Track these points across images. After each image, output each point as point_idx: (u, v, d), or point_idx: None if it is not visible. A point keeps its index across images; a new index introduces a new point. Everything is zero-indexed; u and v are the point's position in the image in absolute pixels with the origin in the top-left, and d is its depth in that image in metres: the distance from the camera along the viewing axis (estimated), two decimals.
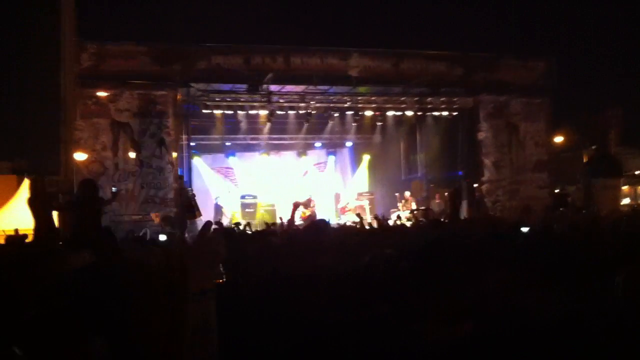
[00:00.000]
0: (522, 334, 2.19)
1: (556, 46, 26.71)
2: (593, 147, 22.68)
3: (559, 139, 21.55)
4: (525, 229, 6.51)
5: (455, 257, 2.41)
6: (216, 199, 20.91)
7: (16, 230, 9.69)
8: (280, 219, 13.96)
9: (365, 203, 21.66)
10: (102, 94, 16.30)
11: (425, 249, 2.52)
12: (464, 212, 18.57)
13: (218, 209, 20.51)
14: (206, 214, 19.64)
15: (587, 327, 2.36)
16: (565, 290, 3.02)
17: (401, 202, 20.43)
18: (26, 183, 12.91)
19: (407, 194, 20.67)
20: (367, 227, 10.32)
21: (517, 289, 2.70)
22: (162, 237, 11.02)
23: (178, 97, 17.33)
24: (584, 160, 21.99)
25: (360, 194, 22.14)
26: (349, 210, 20.52)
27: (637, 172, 26.63)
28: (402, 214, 19.17)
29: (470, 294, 2.36)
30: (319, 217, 17.29)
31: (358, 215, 12.21)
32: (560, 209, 18.63)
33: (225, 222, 19.36)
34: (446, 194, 20.82)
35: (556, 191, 20.50)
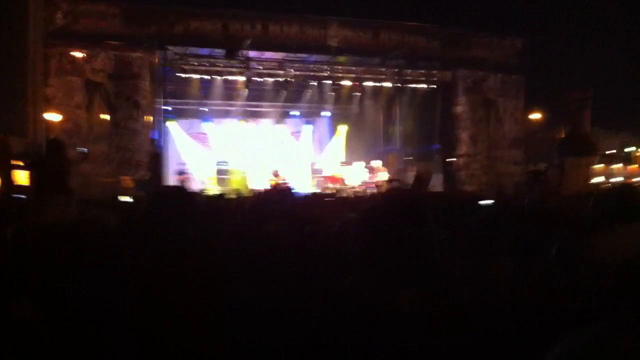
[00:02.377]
0: (462, 302, 2.23)
1: (532, 25, 26.77)
2: (567, 127, 22.85)
3: (534, 117, 21.70)
4: (485, 202, 6.49)
5: (405, 223, 2.40)
6: (183, 164, 20.60)
7: None
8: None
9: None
10: (77, 53, 16.02)
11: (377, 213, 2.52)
12: (438, 186, 18.73)
13: (185, 175, 20.11)
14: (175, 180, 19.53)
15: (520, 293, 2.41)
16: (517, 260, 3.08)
17: (371, 172, 20.47)
18: None
19: (375, 164, 20.65)
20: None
21: (459, 260, 2.73)
22: (125, 198, 10.68)
23: (155, 60, 17.11)
24: (559, 139, 22.14)
25: (343, 163, 22.08)
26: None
27: (610, 152, 27.03)
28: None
29: (413, 263, 2.36)
30: (293, 186, 17.29)
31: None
32: (534, 186, 18.86)
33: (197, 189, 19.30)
34: (414, 169, 20.96)
35: (531, 168, 20.70)
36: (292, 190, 5.98)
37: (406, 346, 1.94)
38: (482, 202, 6.41)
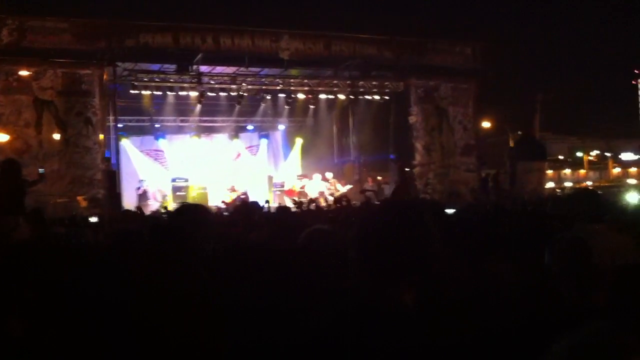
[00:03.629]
0: (462, 302, 2.26)
1: (483, 31, 27.39)
2: (518, 132, 23.38)
3: (485, 124, 22.13)
4: (450, 211, 6.57)
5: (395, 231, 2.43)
6: (140, 182, 20.28)
7: None
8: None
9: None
10: (23, 72, 15.65)
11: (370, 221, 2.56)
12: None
13: (143, 194, 19.90)
14: (132, 198, 19.25)
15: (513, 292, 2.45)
16: (494, 263, 3.14)
17: (327, 183, 20.50)
18: None
19: (329, 175, 20.71)
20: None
21: (451, 262, 2.76)
22: (93, 219, 10.77)
23: (104, 76, 16.82)
24: (510, 145, 22.64)
25: (299, 176, 22.03)
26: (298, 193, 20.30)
27: (560, 157, 27.74)
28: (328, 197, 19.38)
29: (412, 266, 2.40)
30: (251, 199, 17.20)
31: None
32: (486, 191, 19.22)
33: (155, 206, 19.03)
34: (379, 177, 21.10)
35: (483, 175, 21.07)
36: (257, 204, 6.01)
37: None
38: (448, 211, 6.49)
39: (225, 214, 12.50)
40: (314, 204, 15.31)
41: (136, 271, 2.68)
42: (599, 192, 5.48)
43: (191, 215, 3.24)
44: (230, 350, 2.26)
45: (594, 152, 28.42)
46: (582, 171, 29.68)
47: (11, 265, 2.82)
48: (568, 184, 27.39)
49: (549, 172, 24.79)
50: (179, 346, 2.22)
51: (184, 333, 2.22)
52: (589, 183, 25.84)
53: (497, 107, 21.85)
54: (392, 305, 2.03)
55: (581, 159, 27.90)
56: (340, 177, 21.43)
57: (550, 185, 23.83)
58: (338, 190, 19.78)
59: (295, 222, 4.89)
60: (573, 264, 2.53)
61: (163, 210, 15.70)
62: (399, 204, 2.53)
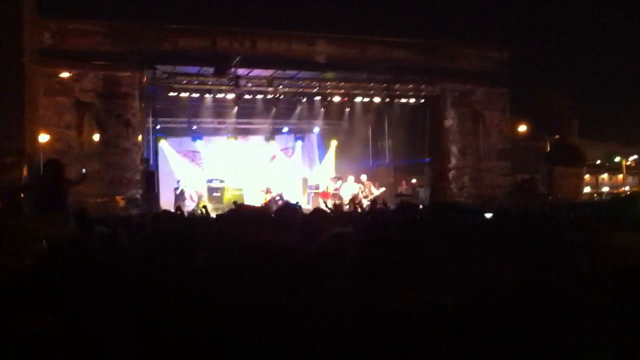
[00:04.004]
0: (497, 308, 2.27)
1: (517, 36, 27.06)
2: (555, 137, 23.06)
3: (522, 128, 21.87)
4: (488, 215, 6.62)
5: (433, 236, 2.48)
6: (178, 182, 20.56)
7: None
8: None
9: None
10: (65, 74, 15.98)
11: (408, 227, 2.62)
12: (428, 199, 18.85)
13: (180, 194, 20.20)
14: (170, 198, 19.51)
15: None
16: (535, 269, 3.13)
17: (361, 186, 20.46)
18: None
19: (363, 177, 20.64)
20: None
21: (489, 267, 2.78)
22: (133, 219, 10.91)
23: (143, 79, 17.09)
24: (547, 150, 22.33)
25: (333, 179, 22.05)
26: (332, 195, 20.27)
27: (597, 162, 27.27)
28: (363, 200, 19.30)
29: (450, 270, 2.44)
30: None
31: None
32: (526, 195, 19.00)
33: (191, 206, 19.26)
34: (413, 180, 21.04)
35: (519, 179, 20.82)
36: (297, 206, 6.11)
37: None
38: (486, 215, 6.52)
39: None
40: (347, 206, 15.33)
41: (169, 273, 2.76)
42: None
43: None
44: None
45: (632, 157, 27.86)
46: (620, 176, 29.12)
47: (55, 264, 2.89)
48: (605, 189, 26.92)
49: (586, 177, 24.38)
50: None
51: (214, 337, 2.25)
52: (627, 188, 25.33)
53: (534, 111, 21.53)
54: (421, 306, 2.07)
55: (619, 164, 27.36)
56: (374, 179, 21.41)
57: (587, 190, 23.43)
58: (372, 193, 19.73)
59: (327, 225, 4.94)
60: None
61: (200, 211, 15.90)
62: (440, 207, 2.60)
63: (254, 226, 4.13)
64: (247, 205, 9.78)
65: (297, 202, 15.41)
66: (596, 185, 27.37)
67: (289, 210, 5.60)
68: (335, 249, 3.18)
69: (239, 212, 5.48)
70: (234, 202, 12.55)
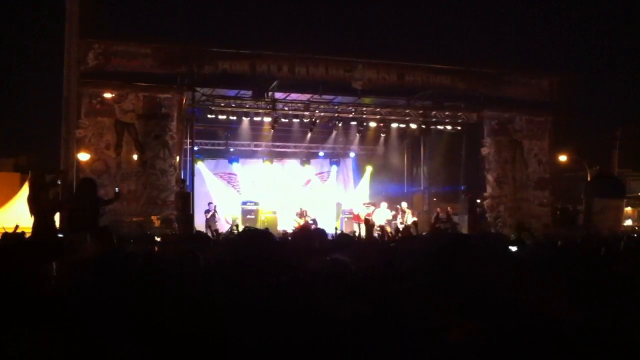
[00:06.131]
0: (527, 335, 2.24)
1: (560, 63, 26.81)
2: (596, 167, 22.66)
3: (562, 158, 21.55)
4: (514, 248, 6.22)
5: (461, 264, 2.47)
6: (209, 204, 20.58)
7: (16, 227, 9.66)
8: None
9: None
10: (107, 95, 16.29)
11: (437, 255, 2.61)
12: (464, 227, 18.60)
13: (212, 217, 20.18)
14: (204, 219, 19.60)
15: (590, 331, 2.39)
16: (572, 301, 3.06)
17: (399, 213, 20.36)
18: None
19: (404, 205, 20.53)
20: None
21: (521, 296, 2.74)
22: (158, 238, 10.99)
23: (184, 100, 17.33)
24: (587, 180, 21.95)
25: (366, 204, 21.97)
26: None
27: (639, 194, 26.69)
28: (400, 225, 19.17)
29: (475, 298, 2.41)
30: (320, 226, 17.27)
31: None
32: (565, 226, 18.61)
33: (225, 227, 19.30)
34: (448, 208, 20.83)
35: (559, 208, 20.43)
36: (322, 231, 6.08)
37: None
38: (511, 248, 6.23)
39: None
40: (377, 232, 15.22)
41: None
42: None
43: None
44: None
45: None
46: None
47: (74, 279, 2.91)
48: None
49: (628, 209, 23.84)
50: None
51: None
52: None
53: (575, 141, 21.24)
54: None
55: None
56: (409, 206, 21.25)
57: (628, 223, 22.90)
58: (406, 220, 19.60)
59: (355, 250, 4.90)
60: None
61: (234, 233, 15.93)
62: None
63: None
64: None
65: (336, 228, 15.38)
66: (638, 218, 26.74)
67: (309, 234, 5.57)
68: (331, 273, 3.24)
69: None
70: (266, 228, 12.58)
